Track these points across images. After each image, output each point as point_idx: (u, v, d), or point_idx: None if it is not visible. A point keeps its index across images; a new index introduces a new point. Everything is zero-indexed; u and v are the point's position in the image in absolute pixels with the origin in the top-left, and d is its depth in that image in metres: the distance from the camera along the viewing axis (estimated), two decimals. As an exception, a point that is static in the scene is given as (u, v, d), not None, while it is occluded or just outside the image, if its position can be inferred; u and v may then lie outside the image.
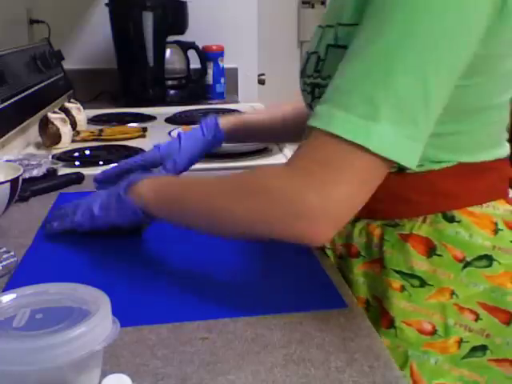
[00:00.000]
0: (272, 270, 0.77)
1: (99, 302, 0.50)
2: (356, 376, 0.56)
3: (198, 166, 1.30)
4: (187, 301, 0.70)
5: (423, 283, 0.72)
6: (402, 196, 0.72)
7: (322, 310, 0.67)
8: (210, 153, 1.17)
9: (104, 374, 0.49)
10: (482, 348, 0.72)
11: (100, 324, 0.48)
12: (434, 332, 0.71)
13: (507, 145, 0.76)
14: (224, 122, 0.98)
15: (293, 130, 0.94)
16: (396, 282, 0.72)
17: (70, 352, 0.45)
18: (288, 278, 0.75)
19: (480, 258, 0.71)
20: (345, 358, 0.59)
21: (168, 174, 0.90)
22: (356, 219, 0.76)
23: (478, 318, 0.71)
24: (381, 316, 0.73)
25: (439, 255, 0.71)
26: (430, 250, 0.71)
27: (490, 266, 0.71)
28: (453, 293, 0.71)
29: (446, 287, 0.71)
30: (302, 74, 0.75)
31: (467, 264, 0.71)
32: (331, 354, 0.59)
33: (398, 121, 0.57)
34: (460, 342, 0.71)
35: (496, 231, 0.72)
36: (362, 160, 0.57)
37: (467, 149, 0.71)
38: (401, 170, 0.69)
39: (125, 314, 0.52)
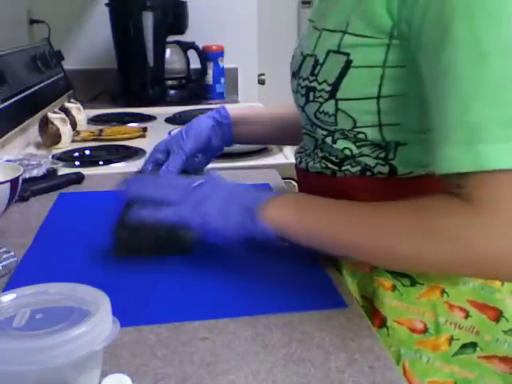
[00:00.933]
0: (272, 270, 0.77)
1: (99, 302, 0.50)
2: (356, 376, 0.56)
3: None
4: (187, 301, 0.70)
5: (414, 282, 0.72)
6: (390, 199, 0.72)
7: (322, 310, 0.67)
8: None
9: (104, 374, 0.49)
10: (472, 345, 0.72)
11: (100, 324, 0.48)
12: (425, 330, 0.71)
13: None
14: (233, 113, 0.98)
15: (291, 133, 0.95)
16: (387, 282, 0.73)
17: (70, 352, 0.45)
18: (288, 277, 0.75)
19: None
20: (345, 357, 0.59)
21: (284, 194, 0.78)
22: None
23: (467, 315, 0.72)
24: (372, 315, 0.73)
25: None
26: None
27: None
28: (443, 291, 0.72)
29: (437, 285, 0.72)
30: (295, 75, 0.75)
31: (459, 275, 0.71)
32: (331, 353, 0.59)
33: None
34: (451, 339, 0.72)
35: None
36: None
37: None
38: (391, 175, 0.70)
39: (125, 314, 0.52)
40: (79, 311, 0.49)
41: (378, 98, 0.66)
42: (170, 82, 2.17)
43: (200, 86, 2.22)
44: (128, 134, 1.59)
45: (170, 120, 1.82)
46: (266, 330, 0.63)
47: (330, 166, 0.75)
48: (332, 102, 0.68)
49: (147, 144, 1.50)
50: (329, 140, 0.72)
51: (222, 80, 2.23)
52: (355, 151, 0.71)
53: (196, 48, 2.15)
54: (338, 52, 0.67)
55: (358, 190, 0.73)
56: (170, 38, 2.13)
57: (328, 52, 0.68)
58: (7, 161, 1.07)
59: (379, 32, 0.63)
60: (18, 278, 0.75)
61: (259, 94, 2.42)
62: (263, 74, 2.52)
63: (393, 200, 0.69)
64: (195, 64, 2.18)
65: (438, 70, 0.58)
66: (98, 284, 0.53)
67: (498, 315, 0.72)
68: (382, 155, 0.70)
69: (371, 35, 0.64)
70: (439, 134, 0.58)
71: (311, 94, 0.70)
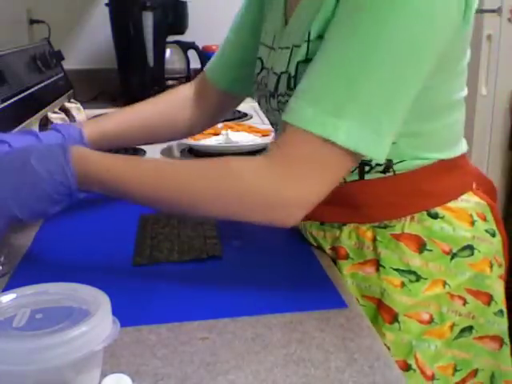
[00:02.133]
0: (272, 270, 0.77)
1: (99, 301, 0.50)
2: (356, 376, 0.56)
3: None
4: (187, 301, 0.70)
5: (418, 277, 0.76)
6: (389, 200, 0.77)
7: (322, 309, 0.67)
8: (207, 153, 1.16)
9: (104, 374, 0.49)
10: (469, 328, 0.79)
11: (100, 324, 0.48)
12: (431, 321, 0.77)
13: (464, 140, 0.82)
14: (89, 131, 0.91)
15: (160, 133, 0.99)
16: (396, 280, 0.77)
17: (70, 352, 0.45)
18: (288, 278, 0.75)
19: (463, 248, 0.77)
20: (345, 357, 0.59)
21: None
22: (343, 224, 0.80)
23: (465, 302, 0.78)
24: (381, 313, 0.77)
25: (430, 250, 0.76)
26: (421, 246, 0.76)
27: (472, 254, 0.78)
28: (445, 283, 0.77)
29: (439, 279, 0.77)
30: (274, 94, 0.76)
31: (454, 255, 0.77)
32: (331, 353, 0.59)
33: (363, 119, 0.61)
34: (452, 326, 0.78)
35: (473, 223, 0.79)
36: (332, 154, 0.62)
37: (441, 146, 0.76)
38: (384, 173, 0.74)
39: (125, 314, 0.52)
40: (79, 311, 0.49)
41: None
42: (170, 82, 2.16)
43: (200, 85, 2.22)
44: (128, 134, 1.58)
45: (169, 120, 1.82)
46: (266, 330, 0.63)
47: None
48: None
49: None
50: None
51: (222, 80, 2.23)
52: None
53: (196, 48, 2.14)
54: (306, 61, 0.69)
55: (357, 189, 0.76)
56: (170, 38, 2.13)
57: (298, 64, 0.70)
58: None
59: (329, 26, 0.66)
60: (18, 278, 0.75)
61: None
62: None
63: (389, 199, 0.77)
64: (195, 64, 2.18)
65: (334, 43, 0.63)
66: (98, 284, 0.53)
67: (489, 299, 0.80)
68: None
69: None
70: (300, 87, 0.64)
71: None
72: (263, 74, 0.83)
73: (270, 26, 0.85)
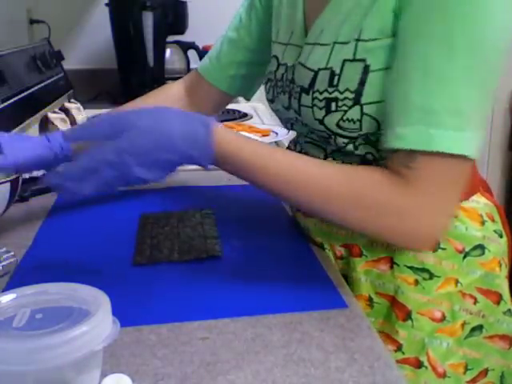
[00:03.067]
0: (272, 270, 0.77)
1: (99, 301, 0.50)
2: (356, 376, 0.56)
3: (196, 165, 1.30)
4: (187, 301, 0.70)
5: (432, 275, 0.77)
6: None
7: (322, 310, 0.67)
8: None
9: (104, 374, 0.49)
10: (479, 327, 0.80)
11: (100, 324, 0.48)
12: (443, 318, 0.77)
13: None
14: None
15: None
16: (410, 277, 0.77)
17: (69, 352, 0.45)
18: (288, 278, 0.75)
19: (475, 247, 0.79)
20: (345, 357, 0.59)
21: None
22: None
23: (476, 301, 0.79)
24: (395, 310, 0.78)
25: (443, 248, 0.77)
26: (436, 245, 0.77)
27: (483, 254, 0.79)
28: (457, 281, 0.78)
29: (451, 277, 0.78)
30: (308, 91, 0.75)
31: (466, 254, 0.78)
32: (331, 353, 0.59)
33: (478, 126, 0.63)
34: (463, 324, 0.78)
35: (483, 223, 0.80)
36: (463, 169, 0.64)
37: None
38: None
39: (125, 314, 0.52)
40: (79, 311, 0.49)
41: None
42: (169, 82, 2.16)
43: (200, 85, 2.22)
44: (128, 134, 1.58)
45: (169, 120, 1.82)
46: (265, 330, 0.63)
47: None
48: (357, 107, 0.69)
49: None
50: (350, 147, 0.74)
51: (222, 80, 2.23)
52: (377, 155, 0.73)
53: (196, 48, 2.15)
54: (353, 60, 0.69)
55: None
56: (170, 38, 2.13)
57: (344, 62, 0.70)
58: (7, 161, 1.07)
59: (389, 32, 0.66)
60: (18, 278, 0.75)
61: (259, 94, 2.42)
62: (263, 74, 2.52)
63: None
64: (195, 64, 2.17)
65: (410, 56, 0.63)
66: (98, 284, 0.53)
67: (498, 298, 0.80)
68: None
69: (382, 37, 0.67)
70: (398, 113, 0.64)
71: (333, 104, 0.71)
72: (282, 70, 0.82)
73: (285, 23, 0.84)
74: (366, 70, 0.68)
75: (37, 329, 0.47)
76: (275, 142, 1.43)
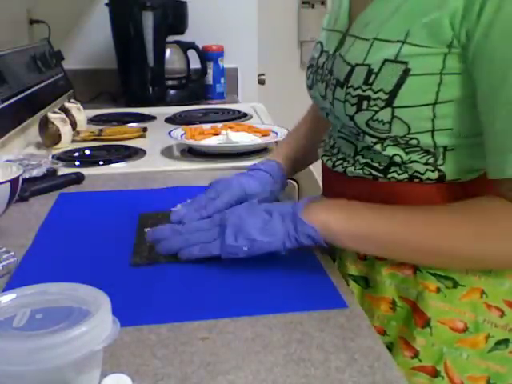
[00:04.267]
0: (272, 270, 0.77)
1: (99, 302, 0.50)
2: (356, 376, 0.56)
3: (196, 166, 1.31)
4: (187, 301, 0.70)
5: (456, 284, 0.75)
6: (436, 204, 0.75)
7: (322, 309, 0.67)
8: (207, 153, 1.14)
9: (104, 374, 0.49)
10: (505, 341, 0.76)
11: (100, 324, 0.48)
12: (465, 329, 0.75)
13: None
14: (281, 161, 0.98)
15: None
16: (432, 285, 0.75)
17: (69, 352, 0.45)
18: (288, 277, 0.75)
19: None
20: (345, 357, 0.59)
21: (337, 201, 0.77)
22: None
23: (503, 314, 0.76)
24: (415, 316, 0.76)
25: None
26: None
27: None
28: (483, 292, 0.75)
29: (477, 287, 0.75)
30: (343, 85, 0.74)
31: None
32: (331, 353, 0.59)
33: None
34: (487, 337, 0.75)
35: None
36: None
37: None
38: (439, 181, 0.73)
39: (125, 314, 0.52)
40: (79, 311, 0.49)
41: (435, 104, 0.67)
42: (169, 82, 2.17)
43: (200, 85, 2.22)
44: (128, 134, 1.59)
45: (169, 120, 1.82)
46: (266, 330, 0.63)
47: (373, 172, 0.76)
48: (388, 109, 0.69)
49: (147, 144, 1.50)
50: (378, 147, 0.74)
51: (222, 80, 2.23)
52: (405, 157, 0.73)
53: (196, 48, 2.15)
54: (395, 61, 0.68)
55: (405, 195, 0.74)
56: (170, 38, 2.13)
57: (384, 61, 0.69)
58: (7, 161, 1.07)
59: (440, 42, 0.65)
60: (18, 278, 0.75)
61: (259, 94, 2.43)
62: (263, 74, 2.52)
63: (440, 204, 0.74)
64: (195, 64, 2.18)
65: (507, 80, 0.61)
66: (98, 284, 0.53)
67: None
68: (431, 161, 0.72)
69: (431, 45, 0.66)
70: (508, 141, 0.63)
71: (364, 102, 0.71)
72: (324, 58, 0.81)
73: (334, 8, 0.83)
74: (406, 73, 0.67)
75: (37, 329, 0.47)
76: (275, 142, 1.43)
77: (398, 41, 0.68)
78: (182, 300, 0.70)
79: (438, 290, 0.75)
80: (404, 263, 0.77)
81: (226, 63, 2.24)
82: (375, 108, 0.70)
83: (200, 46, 2.16)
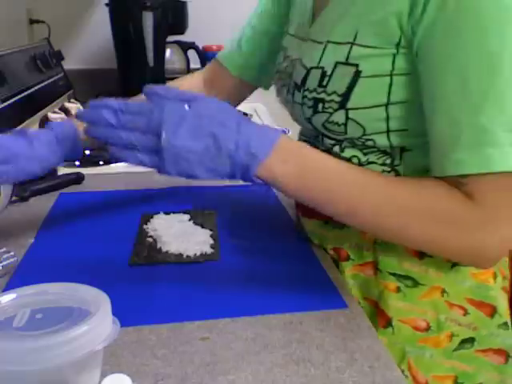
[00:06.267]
0: (272, 270, 0.77)
1: (99, 302, 0.50)
2: (356, 376, 0.56)
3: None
4: (187, 301, 0.70)
5: (416, 283, 0.75)
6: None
7: (322, 310, 0.67)
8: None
9: (104, 374, 0.49)
10: (471, 340, 0.76)
11: (100, 324, 0.48)
12: (428, 328, 0.75)
13: None
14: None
15: None
16: (391, 284, 0.76)
17: (70, 352, 0.45)
18: (288, 278, 0.75)
19: None
20: (345, 357, 0.59)
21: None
22: (345, 225, 0.77)
23: (466, 312, 0.75)
24: (377, 316, 0.76)
25: (430, 256, 0.74)
26: (422, 252, 0.74)
27: None
28: (443, 291, 0.75)
29: (437, 286, 0.75)
30: (300, 88, 0.74)
31: (455, 263, 0.74)
32: (331, 353, 0.59)
33: None
34: (451, 335, 0.76)
35: None
36: None
37: None
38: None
39: (125, 314, 0.52)
40: (79, 311, 0.49)
41: (387, 105, 0.67)
42: (170, 82, 2.16)
43: (200, 85, 2.22)
44: (128, 134, 1.58)
45: (169, 120, 1.82)
46: (265, 330, 0.63)
47: None
48: (342, 111, 0.69)
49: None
50: (336, 149, 0.74)
51: (222, 80, 2.23)
52: (362, 159, 0.73)
53: (196, 48, 2.14)
54: (346, 63, 0.68)
55: None
56: (170, 38, 2.13)
57: (336, 64, 0.69)
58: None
59: (387, 42, 0.65)
60: (18, 278, 0.75)
61: (259, 94, 2.42)
62: (263, 74, 2.52)
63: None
64: (195, 64, 2.18)
65: (447, 78, 0.60)
66: (98, 284, 0.53)
67: (492, 311, 0.76)
68: (388, 161, 0.72)
69: (379, 46, 0.65)
70: (446, 139, 0.62)
71: (320, 105, 0.71)
72: (286, 63, 0.82)
73: (297, 14, 0.83)
74: (357, 75, 0.67)
75: (37, 329, 0.47)
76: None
77: (347, 42, 0.68)
78: (182, 300, 0.70)
79: (398, 290, 0.75)
80: (366, 264, 0.77)
81: (226, 63, 2.23)
82: (330, 110, 0.70)
83: (200, 46, 2.15)
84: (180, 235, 0.85)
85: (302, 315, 0.66)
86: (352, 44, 0.67)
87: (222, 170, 0.61)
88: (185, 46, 2.16)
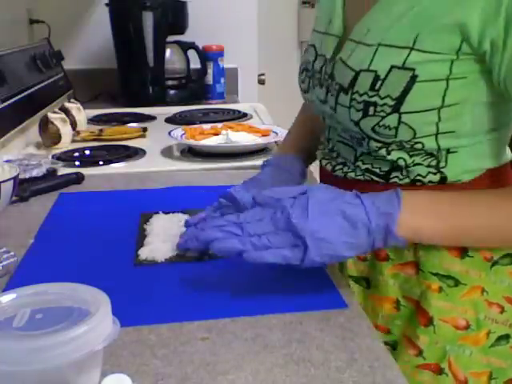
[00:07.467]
0: (272, 270, 0.77)
1: (99, 302, 0.50)
2: (356, 376, 0.56)
3: (196, 166, 1.31)
4: (187, 301, 0.70)
5: (457, 283, 0.76)
6: None
7: (322, 310, 0.67)
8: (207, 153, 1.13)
9: (104, 374, 0.49)
10: (506, 337, 0.78)
11: (100, 324, 0.48)
12: (467, 327, 0.76)
13: (508, 147, 0.80)
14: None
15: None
16: (434, 284, 0.76)
17: (70, 352, 0.45)
18: (288, 278, 0.75)
19: (504, 256, 0.76)
20: (345, 357, 0.59)
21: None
22: None
23: (503, 310, 0.77)
24: (418, 315, 0.77)
25: (471, 256, 0.75)
26: (463, 252, 0.75)
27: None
28: (483, 290, 0.76)
29: (478, 285, 0.76)
30: (347, 91, 0.73)
31: (494, 263, 0.76)
32: (331, 353, 0.59)
33: None
34: (488, 333, 0.77)
35: None
36: None
37: (493, 155, 0.75)
38: (441, 182, 0.73)
39: (125, 314, 0.52)
40: (79, 311, 0.49)
41: (440, 108, 0.68)
42: (169, 82, 2.17)
43: (200, 86, 2.22)
44: (128, 134, 1.59)
45: (170, 120, 1.82)
46: (265, 330, 0.63)
47: (374, 178, 0.76)
48: (395, 115, 0.69)
49: (147, 144, 1.50)
50: (383, 151, 0.74)
51: (222, 80, 2.23)
52: (408, 161, 0.73)
53: (196, 48, 2.15)
54: (402, 68, 0.67)
55: None
56: (170, 38, 2.13)
57: (391, 68, 0.68)
58: (7, 161, 1.08)
59: (447, 48, 0.65)
60: (18, 278, 0.75)
61: (259, 94, 2.42)
62: (263, 74, 2.52)
63: None
64: (195, 64, 2.18)
65: None
66: (98, 284, 0.53)
67: None
68: (434, 163, 0.73)
69: (439, 51, 0.66)
70: None
71: (371, 108, 0.70)
72: (320, 62, 0.80)
73: (324, 11, 0.83)
74: (413, 79, 0.67)
75: (37, 329, 0.47)
76: (275, 142, 1.43)
77: (405, 47, 0.67)
78: (182, 300, 0.70)
79: (440, 289, 0.76)
80: (407, 263, 0.78)
81: (226, 63, 2.24)
82: (382, 114, 0.69)
83: (200, 46, 2.16)
84: (179, 234, 0.85)
85: (302, 315, 0.66)
86: (411, 49, 0.67)
87: (364, 242, 0.64)
88: (185, 46, 2.16)
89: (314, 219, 0.63)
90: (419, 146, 0.71)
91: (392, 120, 0.69)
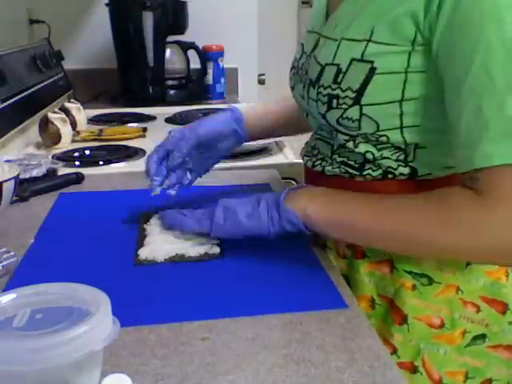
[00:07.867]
0: (272, 270, 0.77)
1: (99, 302, 0.50)
2: (356, 376, 0.56)
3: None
4: (187, 301, 0.70)
5: (431, 281, 0.76)
6: None
7: (322, 310, 0.67)
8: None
9: (104, 374, 0.49)
10: (482, 336, 0.78)
11: (100, 324, 0.48)
12: (442, 325, 0.76)
13: None
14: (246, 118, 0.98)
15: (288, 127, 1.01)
16: (408, 282, 0.77)
17: (70, 352, 0.45)
18: (288, 277, 0.75)
19: None
20: (345, 357, 0.59)
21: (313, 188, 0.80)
22: None
23: (478, 309, 0.77)
24: (392, 313, 0.78)
25: None
26: None
27: None
28: (458, 288, 0.76)
29: (452, 284, 0.76)
30: (315, 85, 0.75)
31: (470, 262, 0.76)
32: (331, 353, 0.59)
33: None
34: (464, 332, 0.77)
35: None
36: None
37: None
38: (411, 177, 0.74)
39: (125, 314, 0.52)
40: (79, 311, 0.49)
41: (401, 101, 0.68)
42: (169, 82, 2.17)
43: (200, 86, 2.22)
44: (128, 134, 1.59)
45: (170, 120, 1.82)
46: (265, 330, 0.63)
47: (349, 170, 0.77)
48: (356, 107, 0.70)
49: (147, 144, 1.50)
50: (350, 144, 0.74)
51: (222, 80, 2.23)
52: (376, 154, 0.74)
53: (196, 48, 2.14)
54: (361, 60, 0.69)
55: (380, 192, 0.74)
56: (170, 38, 2.13)
57: (351, 60, 0.70)
58: (7, 161, 1.07)
59: (403, 39, 0.66)
60: (18, 278, 0.75)
61: (259, 94, 2.42)
62: (263, 74, 2.52)
63: None
64: (195, 64, 2.18)
65: (469, 72, 0.61)
66: (98, 284, 0.53)
67: (504, 308, 0.78)
68: (402, 157, 0.73)
69: (395, 43, 0.67)
70: (474, 132, 0.62)
71: (334, 101, 0.72)
72: (303, 59, 0.82)
73: (314, 11, 0.84)
74: (372, 71, 0.68)
75: (37, 329, 0.47)
76: (275, 142, 1.43)
77: (363, 40, 0.69)
78: (182, 300, 0.70)
79: (414, 288, 0.76)
80: (382, 262, 0.78)
81: (226, 63, 2.24)
82: (344, 106, 0.71)
83: (200, 46, 2.16)
84: (180, 235, 0.85)
85: (302, 315, 0.66)
86: (368, 41, 0.68)
87: (261, 213, 0.76)
88: (185, 46, 2.16)
89: (231, 202, 0.80)
90: (384, 138, 0.71)
91: (354, 112, 0.70)
